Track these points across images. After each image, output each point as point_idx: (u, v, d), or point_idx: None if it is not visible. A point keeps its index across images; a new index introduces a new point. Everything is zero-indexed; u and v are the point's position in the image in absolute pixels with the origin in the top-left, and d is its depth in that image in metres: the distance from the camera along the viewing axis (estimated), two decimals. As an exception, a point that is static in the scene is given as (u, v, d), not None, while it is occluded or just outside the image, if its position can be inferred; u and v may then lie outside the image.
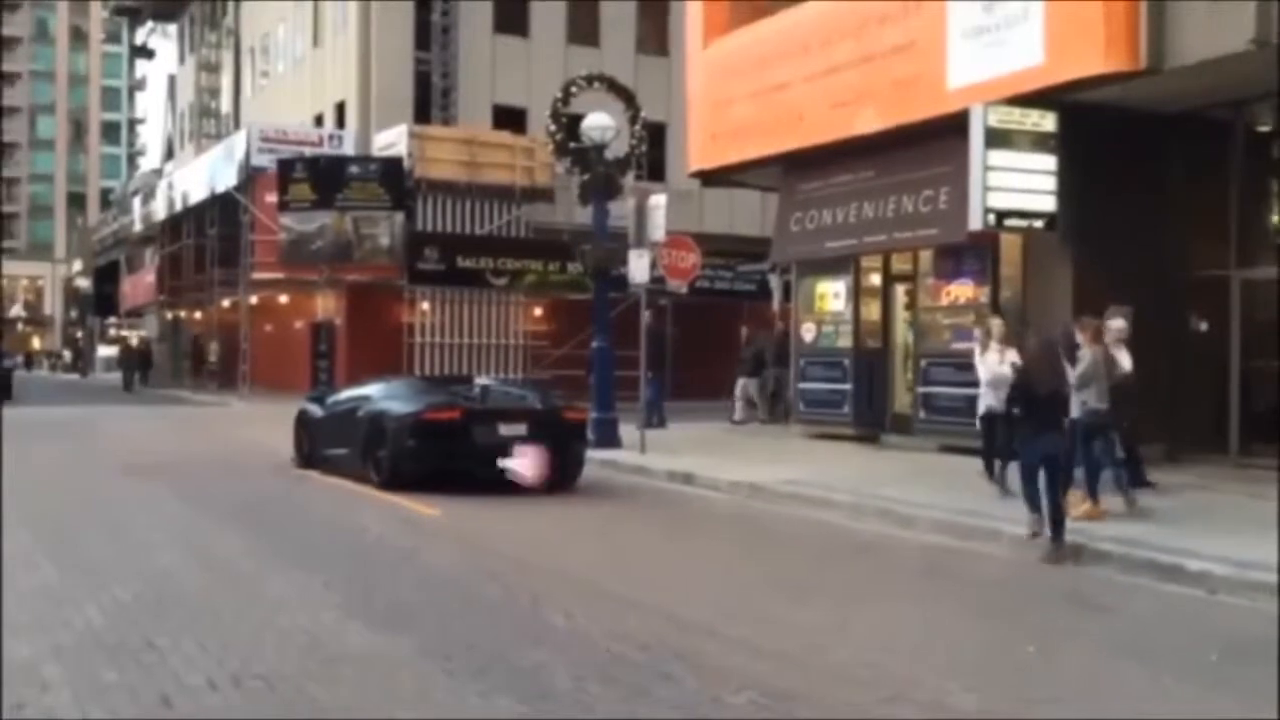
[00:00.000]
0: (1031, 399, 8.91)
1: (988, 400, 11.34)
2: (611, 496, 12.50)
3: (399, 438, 12.12)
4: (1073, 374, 9.77)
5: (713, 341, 29.13)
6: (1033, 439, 8.95)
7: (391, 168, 29.54)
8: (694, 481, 13.06)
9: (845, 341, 17.29)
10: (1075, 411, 9.80)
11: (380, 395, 13.06)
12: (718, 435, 18.52)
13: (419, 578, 7.67)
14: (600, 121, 16.50)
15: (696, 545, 9.41)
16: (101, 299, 55.85)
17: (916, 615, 6.83)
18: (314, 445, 13.98)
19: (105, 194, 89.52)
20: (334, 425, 13.51)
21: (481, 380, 13.87)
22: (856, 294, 17.25)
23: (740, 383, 20.88)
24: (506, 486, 11.73)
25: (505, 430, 12.10)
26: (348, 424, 13.04)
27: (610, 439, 16.04)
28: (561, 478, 12.24)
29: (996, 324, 11.75)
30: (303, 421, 14.49)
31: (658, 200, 15.76)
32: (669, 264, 16.59)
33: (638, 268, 15.51)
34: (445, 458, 12.05)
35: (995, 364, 11.26)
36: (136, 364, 41.11)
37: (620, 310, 22.41)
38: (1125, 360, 10.54)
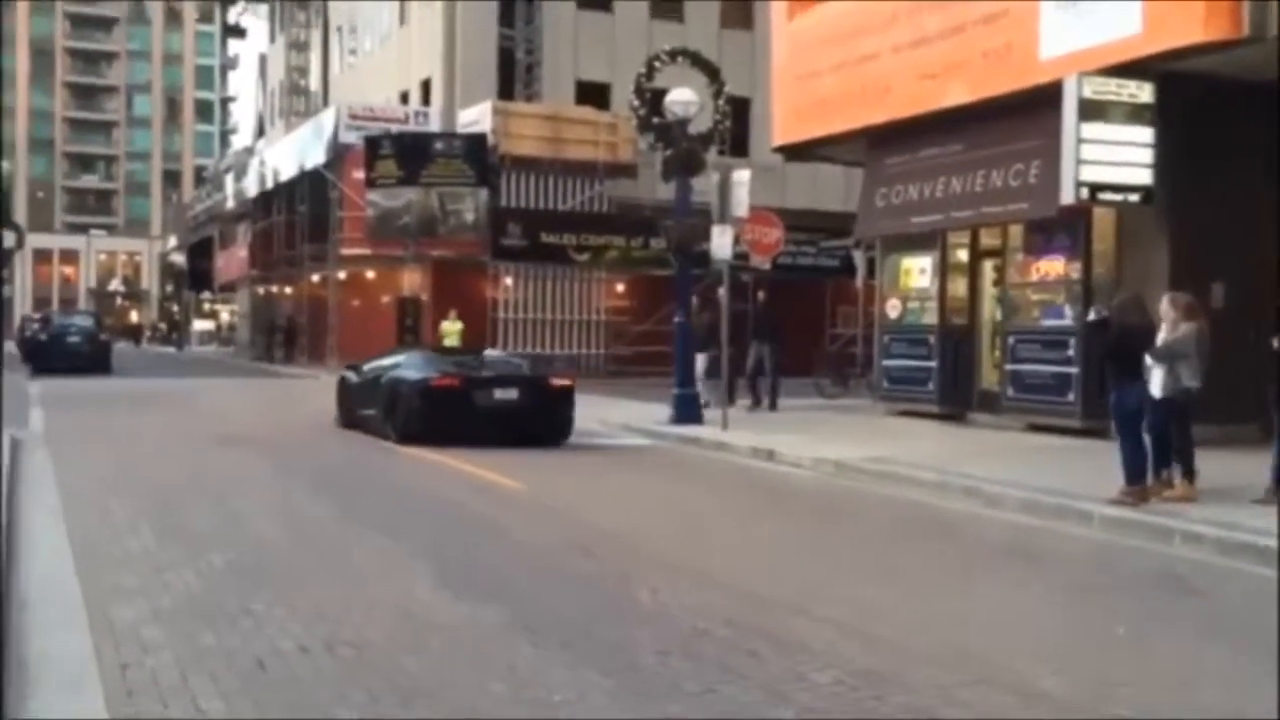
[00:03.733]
0: (1124, 348, 9.18)
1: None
2: (694, 473, 12.57)
3: (410, 401, 14.22)
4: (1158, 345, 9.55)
5: (796, 319, 28.91)
6: (1128, 388, 9.19)
7: (475, 144, 29.79)
8: (776, 458, 13.05)
9: (931, 318, 17.12)
10: (1161, 388, 9.46)
11: (399, 365, 15.18)
12: (798, 413, 18.44)
13: (505, 549, 7.78)
14: (684, 96, 16.44)
15: (779, 522, 9.41)
16: (196, 274, 57.21)
17: (1003, 596, 6.75)
18: (351, 407, 16.02)
19: (199, 171, 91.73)
20: (365, 390, 15.54)
21: (490, 353, 16.76)
22: (943, 270, 17.05)
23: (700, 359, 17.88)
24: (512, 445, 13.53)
25: (499, 395, 14.34)
26: (374, 389, 15.13)
27: (692, 415, 16.07)
28: (549, 436, 14.37)
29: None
30: (343, 387, 16.62)
31: (741, 176, 15.68)
32: (752, 240, 16.50)
33: (720, 244, 15.47)
34: (449, 419, 14.01)
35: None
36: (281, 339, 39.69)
37: (704, 285, 22.55)
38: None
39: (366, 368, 16.14)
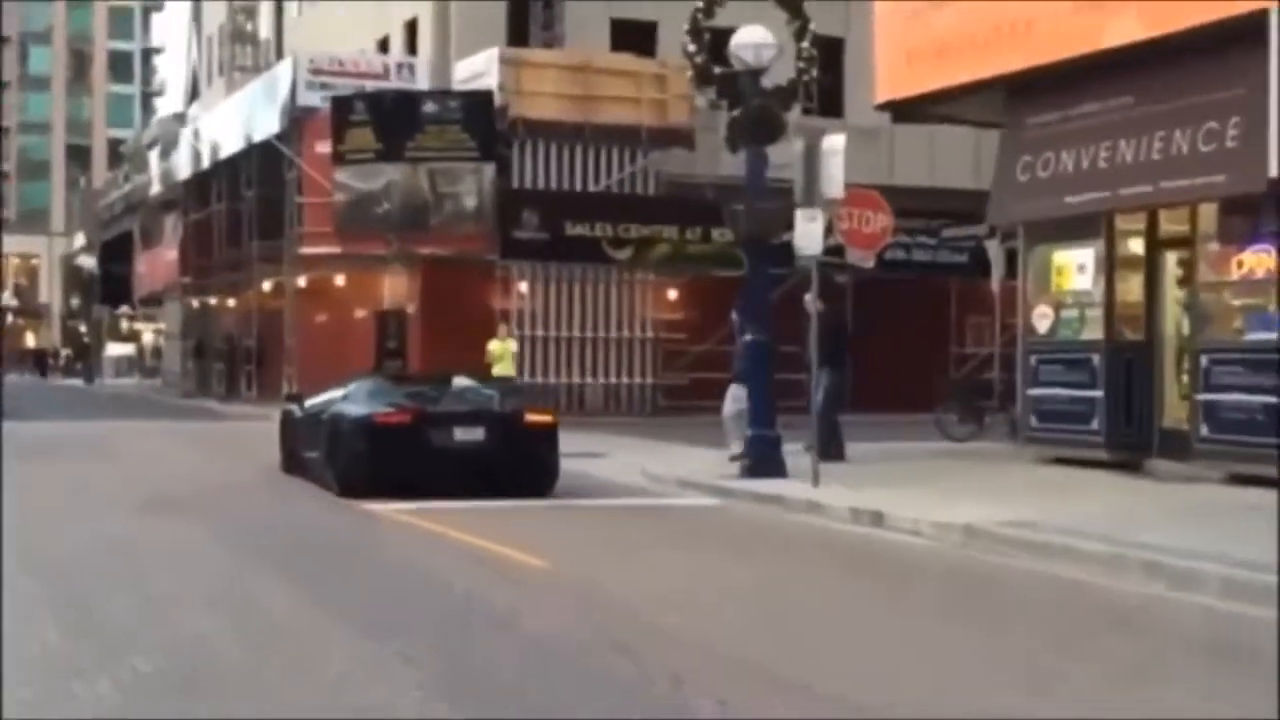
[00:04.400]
0: None
1: None
2: (774, 543, 12.46)
3: (352, 442, 14.90)
4: None
5: (909, 334, 28.87)
6: None
7: (478, 105, 30.03)
8: (885, 523, 12.98)
9: (1094, 332, 17.00)
10: None
11: (346, 396, 15.89)
12: (914, 460, 18.31)
13: (524, 648, 7.75)
14: (755, 38, 16.46)
15: (892, 610, 9.32)
16: (111, 283, 58.05)
17: (1204, 714, 6.63)
18: (294, 448, 16.93)
19: (114, 146, 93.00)
20: (307, 427, 16.38)
21: (460, 381, 16.24)
22: (1110, 266, 16.93)
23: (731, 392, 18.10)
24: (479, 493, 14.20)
25: (461, 434, 14.84)
26: (316, 426, 15.81)
27: (771, 466, 16.04)
28: (528, 486, 14.85)
29: None
30: (286, 423, 17.62)
31: (834, 143, 15.62)
32: (849, 229, 16.44)
33: (807, 234, 15.41)
34: (399, 464, 14.62)
35: None
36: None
37: (786, 289, 22.56)
38: None
39: (311, 401, 17.01)
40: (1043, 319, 17.73)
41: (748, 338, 16.71)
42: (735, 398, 18.03)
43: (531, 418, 15.52)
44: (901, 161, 31.11)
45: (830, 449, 17.15)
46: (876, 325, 28.95)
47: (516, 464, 14.99)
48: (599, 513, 14.39)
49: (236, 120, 36.93)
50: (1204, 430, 15.32)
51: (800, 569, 11.06)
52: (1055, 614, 9.20)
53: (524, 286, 30.67)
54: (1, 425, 23.22)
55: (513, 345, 26.02)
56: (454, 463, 14.72)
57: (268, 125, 33.98)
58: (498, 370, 24.47)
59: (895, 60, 18.92)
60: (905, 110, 20.16)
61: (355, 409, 15.31)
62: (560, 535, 12.66)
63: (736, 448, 17.81)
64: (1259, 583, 9.42)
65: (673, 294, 31.32)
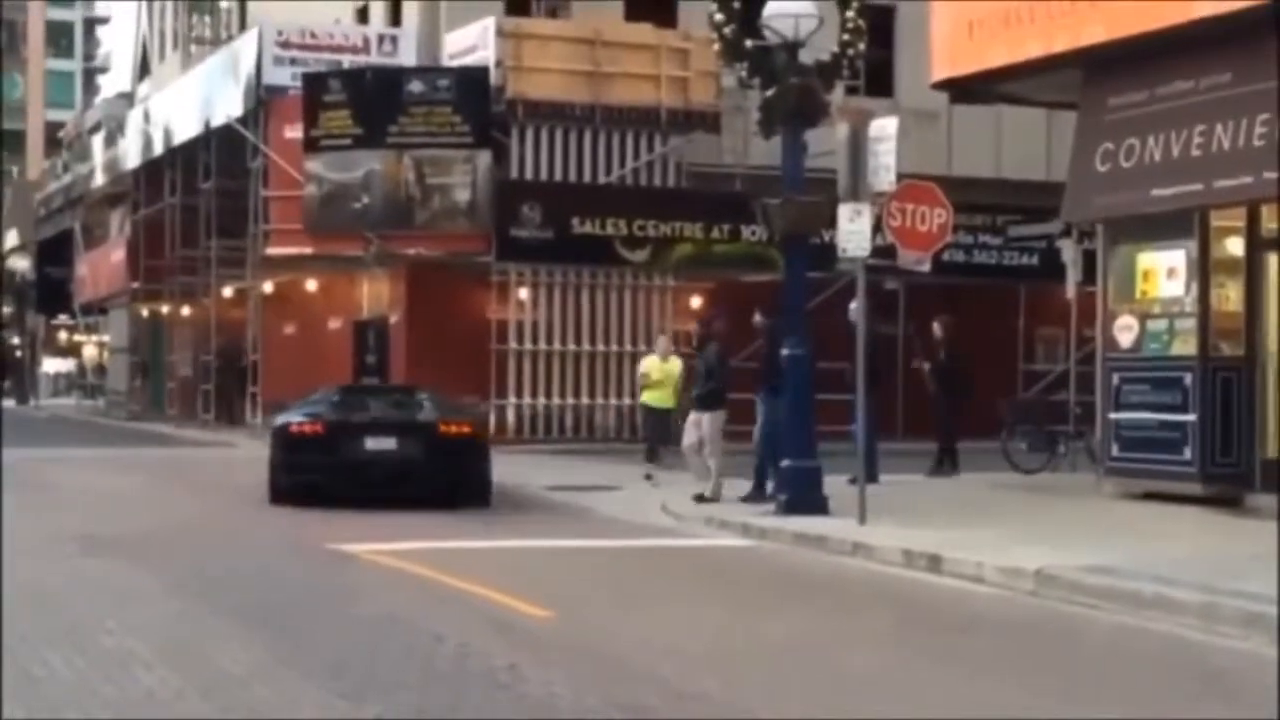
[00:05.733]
0: None
1: None
2: (815, 591, 12.50)
3: (275, 450, 17.84)
4: None
5: (970, 348, 28.78)
6: None
7: (472, 84, 30.10)
8: (943, 568, 13.00)
9: (1186, 346, 16.99)
10: None
11: (301, 405, 19.07)
12: (976, 495, 18.29)
13: (524, 713, 7.74)
14: (793, 7, 16.44)
15: (951, 671, 9.28)
16: (48, 288, 58.27)
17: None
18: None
19: (52, 131, 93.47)
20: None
21: (423, 395, 19.53)
22: (1205, 272, 16.91)
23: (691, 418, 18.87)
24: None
25: (372, 444, 17.45)
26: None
27: (811, 501, 16.05)
28: (445, 498, 17.13)
29: None
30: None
31: (884, 128, 15.65)
32: (902, 226, 16.44)
33: (852, 232, 15.43)
34: (311, 471, 17.43)
35: None
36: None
37: (826, 297, 22.56)
38: None
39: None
40: (1126, 331, 17.69)
41: (785, 352, 16.70)
42: (696, 423, 18.21)
43: (448, 429, 17.86)
44: (962, 149, 31.06)
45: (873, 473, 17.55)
46: (962, 341, 29.09)
47: (431, 474, 17.44)
48: (612, 555, 14.42)
49: (193, 101, 37.04)
50: (1315, 460, 15.29)
51: (845, 621, 11.07)
52: (1143, 674, 9.20)
53: (523, 293, 30.65)
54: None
55: (677, 365, 22.64)
56: (365, 473, 17.43)
57: (229, 107, 34.08)
58: (652, 398, 22.33)
59: (954, 31, 18.93)
60: (966, 89, 20.14)
61: (285, 418, 18.47)
62: (568, 581, 12.67)
63: (703, 486, 17.99)
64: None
65: (696, 301, 31.28)
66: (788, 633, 10.47)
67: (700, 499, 17.83)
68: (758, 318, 18.85)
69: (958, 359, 22.20)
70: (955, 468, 21.54)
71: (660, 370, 22.62)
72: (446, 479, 17.60)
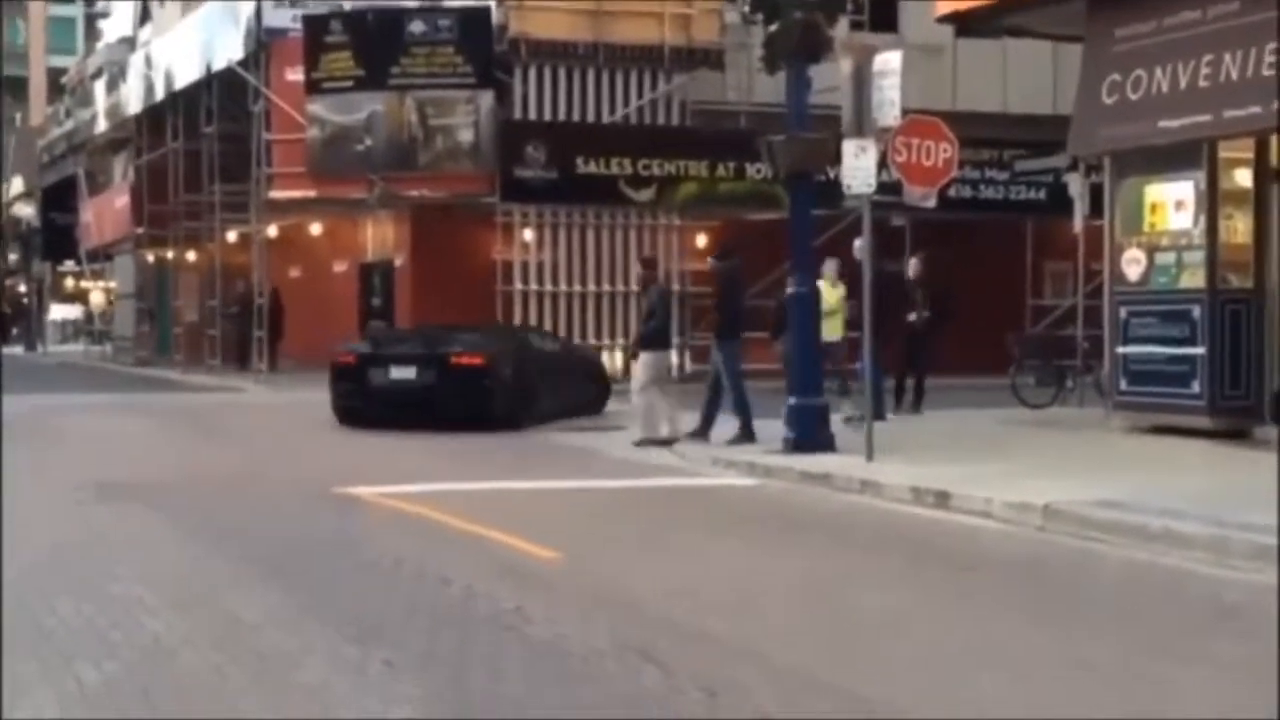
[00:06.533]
0: None
1: None
2: (823, 529, 12.50)
3: (330, 378, 21.59)
4: None
5: (978, 284, 28.76)
6: None
7: (474, 24, 29.97)
8: (952, 504, 12.98)
9: (1194, 279, 16.98)
10: None
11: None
12: (984, 431, 18.31)
13: (532, 654, 7.73)
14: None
15: (961, 607, 9.28)
16: (53, 234, 58.20)
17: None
18: None
19: (55, 77, 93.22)
20: None
21: (467, 335, 22.15)
22: (1213, 204, 16.90)
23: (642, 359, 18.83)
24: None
25: (396, 373, 20.71)
26: None
27: (818, 439, 16.07)
28: (465, 420, 19.81)
29: None
30: None
31: (888, 62, 15.55)
32: (907, 162, 16.37)
33: (857, 169, 15.36)
34: (349, 397, 20.96)
35: None
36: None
37: (833, 234, 22.48)
38: None
39: None
40: (1134, 265, 17.69)
41: (789, 290, 16.68)
42: (647, 364, 18.22)
43: (459, 359, 20.52)
44: (967, 84, 30.95)
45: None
46: (940, 275, 29.04)
47: (450, 401, 20.14)
48: (619, 495, 14.41)
49: (194, 45, 36.87)
50: (1325, 392, 15.28)
51: (854, 559, 11.07)
52: (1152, 608, 9.19)
53: (529, 234, 30.61)
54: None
55: (839, 291, 20.78)
56: (390, 398, 20.59)
57: (230, 50, 33.92)
58: (826, 330, 18.99)
59: (959, -36, 18.85)
60: (971, 23, 20.04)
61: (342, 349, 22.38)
62: (575, 522, 12.69)
63: (647, 429, 18.17)
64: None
65: (702, 240, 31.20)
66: (797, 572, 10.44)
67: (640, 443, 18.06)
68: (711, 261, 18.89)
69: (939, 296, 22.06)
70: (918, 408, 21.47)
71: (830, 296, 20.18)
72: (461, 405, 20.09)
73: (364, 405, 20.71)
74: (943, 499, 13.13)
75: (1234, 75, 15.88)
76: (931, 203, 17.32)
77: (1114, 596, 9.62)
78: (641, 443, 18.07)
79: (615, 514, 13.34)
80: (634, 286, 30.43)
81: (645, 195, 30.44)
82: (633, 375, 18.90)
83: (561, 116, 30.52)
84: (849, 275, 19.30)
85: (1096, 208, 20.88)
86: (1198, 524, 11.00)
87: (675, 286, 31.01)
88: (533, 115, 30.40)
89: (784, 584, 9.96)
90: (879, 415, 17.63)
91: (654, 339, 18.71)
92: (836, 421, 17.06)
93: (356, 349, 22.28)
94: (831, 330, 19.77)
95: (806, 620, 8.81)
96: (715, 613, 8.83)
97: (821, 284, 19.27)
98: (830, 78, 16.68)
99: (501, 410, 20.35)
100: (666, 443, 17.82)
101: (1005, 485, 13.18)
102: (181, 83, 37.75)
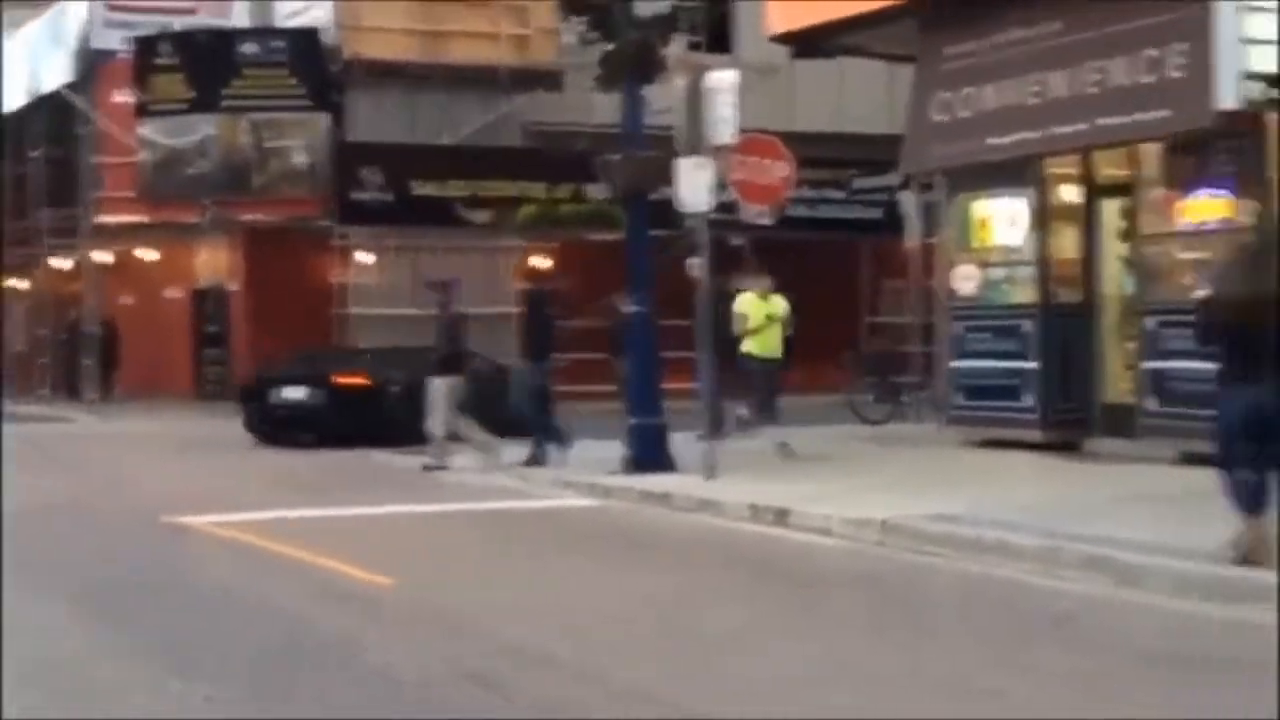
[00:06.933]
0: (1227, 327, 9.90)
1: None
2: (662, 549, 12.45)
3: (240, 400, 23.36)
4: None
5: (815, 301, 28.96)
6: (1231, 389, 9.84)
7: (307, 45, 29.66)
8: (791, 521, 13.00)
9: (1025, 294, 17.19)
10: None
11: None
12: (823, 448, 18.39)
13: (364, 683, 7.59)
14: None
15: (800, 623, 9.30)
16: None
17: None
18: None
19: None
20: None
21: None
22: (1042, 218, 17.10)
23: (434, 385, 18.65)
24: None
25: (288, 394, 22.13)
26: None
27: (657, 458, 16.04)
28: (356, 439, 20.48)
29: None
30: None
31: (722, 80, 15.60)
32: (744, 180, 16.42)
33: (692, 186, 15.37)
34: (257, 415, 22.42)
35: None
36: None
37: (675, 255, 22.44)
38: None
39: None
40: (966, 280, 17.87)
41: (627, 309, 16.65)
42: (442, 390, 18.30)
43: (343, 380, 21.89)
44: (804, 104, 31.15)
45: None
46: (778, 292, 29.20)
47: (340, 421, 21.34)
48: (457, 519, 14.24)
49: (17, 67, 35.99)
50: (1151, 404, 15.54)
51: (694, 578, 11.00)
52: (987, 620, 9.24)
53: (366, 257, 30.31)
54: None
55: (782, 305, 18.42)
56: (284, 417, 22.13)
57: (56, 73, 33.20)
58: (756, 346, 17.88)
59: (791, -16, 18.91)
60: (805, 43, 20.19)
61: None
62: (410, 547, 12.52)
63: (441, 455, 18.12)
64: (1215, 577, 9.52)
65: (542, 262, 31.08)
66: (636, 592, 10.40)
67: (430, 469, 18.03)
68: (521, 284, 18.83)
69: None
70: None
71: (758, 308, 18.19)
72: (351, 424, 21.14)
73: (262, 424, 22.27)
74: (782, 516, 13.12)
75: (1061, 92, 16.07)
76: (768, 219, 17.42)
77: (950, 610, 9.66)
78: (430, 468, 18.01)
79: (453, 538, 13.20)
80: (474, 309, 30.33)
81: (483, 217, 30.31)
82: (429, 402, 18.60)
83: (398, 138, 30.25)
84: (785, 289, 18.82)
85: (932, 225, 21.12)
86: (1030, 536, 11.08)
87: (513, 310, 30.93)
88: (369, 137, 30.09)
89: (623, 604, 9.91)
90: (720, 434, 17.62)
91: (447, 364, 18.57)
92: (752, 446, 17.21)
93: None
94: (765, 348, 18.00)
95: (647, 640, 8.76)
96: (554, 635, 8.73)
97: (747, 298, 18.20)
98: (669, 98, 16.66)
99: (388, 429, 20.60)
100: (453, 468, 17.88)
101: (844, 502, 13.23)
102: (5, 107, 36.83)
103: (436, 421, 18.32)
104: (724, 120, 15.37)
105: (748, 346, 17.83)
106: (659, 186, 16.95)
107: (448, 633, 8.91)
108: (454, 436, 18.44)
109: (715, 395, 17.35)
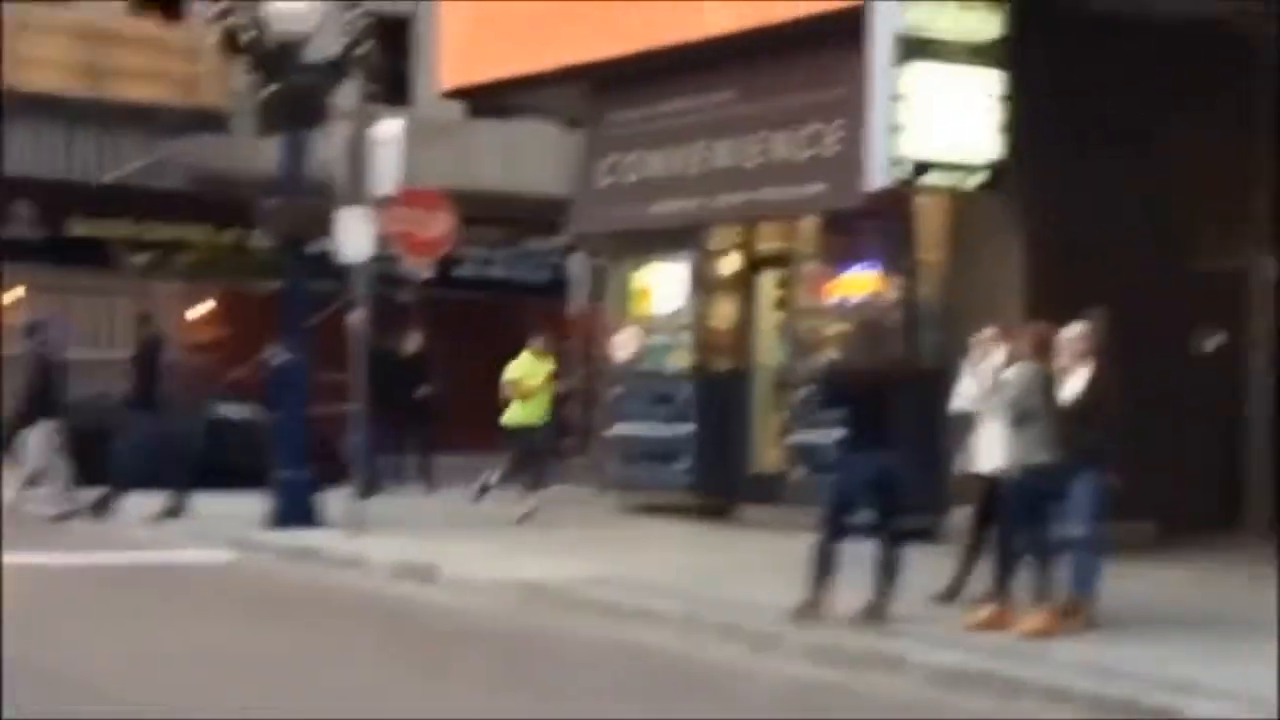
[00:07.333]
0: (848, 398, 10.44)
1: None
2: (302, 606, 12.24)
3: None
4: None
5: (483, 363, 28.87)
6: (849, 456, 10.44)
7: (-43, 73, 28.32)
8: (437, 580, 12.94)
9: (683, 360, 17.33)
10: (1002, 459, 10.29)
11: None
12: (475, 507, 18.32)
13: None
14: (292, 6, 16.04)
15: (433, 685, 9.13)
16: None
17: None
18: None
19: None
20: None
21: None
22: (702, 286, 17.31)
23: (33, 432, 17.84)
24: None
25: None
26: None
27: (302, 513, 15.71)
28: None
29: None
30: None
31: (388, 130, 15.48)
32: (405, 232, 16.26)
33: (352, 237, 15.16)
34: None
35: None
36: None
37: (339, 307, 22.03)
38: (1076, 385, 10.51)
39: None
40: (627, 345, 17.95)
41: (278, 360, 16.28)
42: (36, 438, 17.62)
43: None
44: (480, 162, 30.96)
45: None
46: (446, 351, 28.93)
47: None
48: (69, 575, 13.55)
49: None
50: (800, 473, 15.74)
51: (326, 637, 10.76)
52: (618, 684, 9.23)
53: (16, 295, 29.02)
54: None
55: (545, 366, 17.93)
56: None
57: None
58: (521, 414, 17.30)
59: (464, 40, 18.78)
60: (479, 100, 20.21)
61: None
62: (26, 601, 11.80)
63: (63, 502, 17.38)
64: (851, 647, 9.69)
65: (203, 309, 30.28)
66: (264, 650, 10.08)
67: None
68: (142, 330, 18.39)
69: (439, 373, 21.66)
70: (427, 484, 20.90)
71: (531, 372, 17.89)
72: None
73: None
74: (428, 576, 13.07)
75: (724, 163, 16.29)
76: (427, 274, 17.28)
77: (582, 672, 9.63)
78: (57, 517, 17.18)
79: (67, 591, 12.60)
80: (129, 353, 29.34)
81: (142, 260, 29.33)
82: (28, 450, 17.78)
83: (55, 175, 29.10)
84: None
85: (599, 289, 21.21)
86: (672, 601, 11.22)
87: (175, 358, 29.99)
88: (23, 171, 28.84)
89: (247, 662, 9.60)
90: (373, 491, 17.33)
91: (36, 410, 17.74)
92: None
93: None
94: (532, 415, 17.26)
95: (272, 701, 8.41)
96: (164, 692, 8.42)
97: (524, 359, 17.78)
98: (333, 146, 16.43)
99: None
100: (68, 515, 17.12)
101: (491, 562, 13.24)
102: None
103: (38, 469, 17.54)
104: (386, 172, 15.24)
105: (515, 412, 17.22)
106: (318, 236, 16.65)
107: (63, 691, 8.48)
108: (36, 479, 17.65)
109: (369, 451, 17.13)
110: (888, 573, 10.20)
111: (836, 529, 10.31)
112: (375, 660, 9.86)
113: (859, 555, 10.27)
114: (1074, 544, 10.31)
